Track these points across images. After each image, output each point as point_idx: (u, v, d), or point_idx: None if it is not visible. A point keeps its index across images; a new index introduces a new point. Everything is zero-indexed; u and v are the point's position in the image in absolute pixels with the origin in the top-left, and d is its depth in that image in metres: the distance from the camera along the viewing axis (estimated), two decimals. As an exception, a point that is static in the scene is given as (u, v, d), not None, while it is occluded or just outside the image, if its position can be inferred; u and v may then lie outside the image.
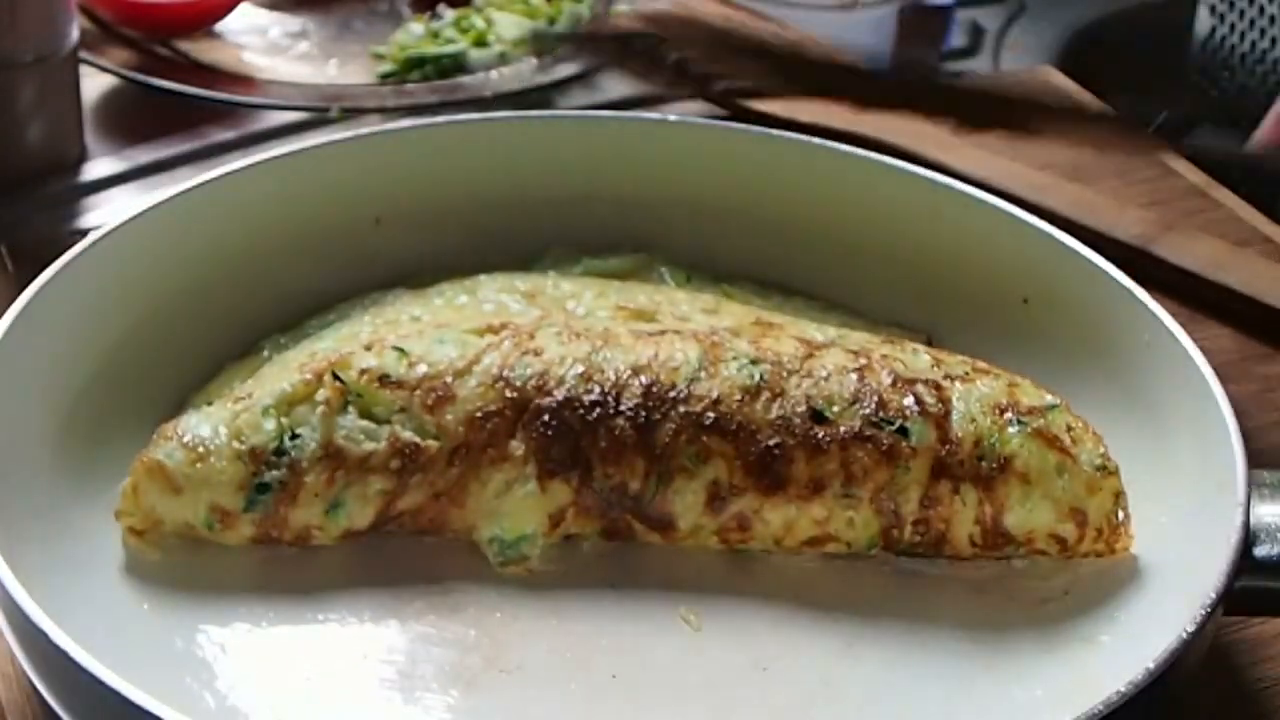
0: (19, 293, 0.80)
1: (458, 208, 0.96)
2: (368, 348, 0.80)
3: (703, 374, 0.79)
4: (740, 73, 1.12)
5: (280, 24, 1.36)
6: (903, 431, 0.78)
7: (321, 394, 0.78)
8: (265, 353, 0.88)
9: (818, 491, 0.78)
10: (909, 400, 0.79)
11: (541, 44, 1.27)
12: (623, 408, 0.78)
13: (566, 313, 0.88)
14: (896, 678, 0.74)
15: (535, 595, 0.77)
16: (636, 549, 0.79)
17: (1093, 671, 0.72)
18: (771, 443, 0.77)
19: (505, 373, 0.79)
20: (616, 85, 1.29)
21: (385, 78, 1.29)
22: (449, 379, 0.79)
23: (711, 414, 0.78)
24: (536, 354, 0.80)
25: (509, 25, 1.32)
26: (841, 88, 1.06)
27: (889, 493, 0.78)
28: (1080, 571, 0.79)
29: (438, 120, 1.00)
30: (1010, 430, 0.78)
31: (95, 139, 1.18)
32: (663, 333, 0.83)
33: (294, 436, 0.77)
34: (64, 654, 0.64)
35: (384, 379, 0.78)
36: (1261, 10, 1.62)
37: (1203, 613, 0.68)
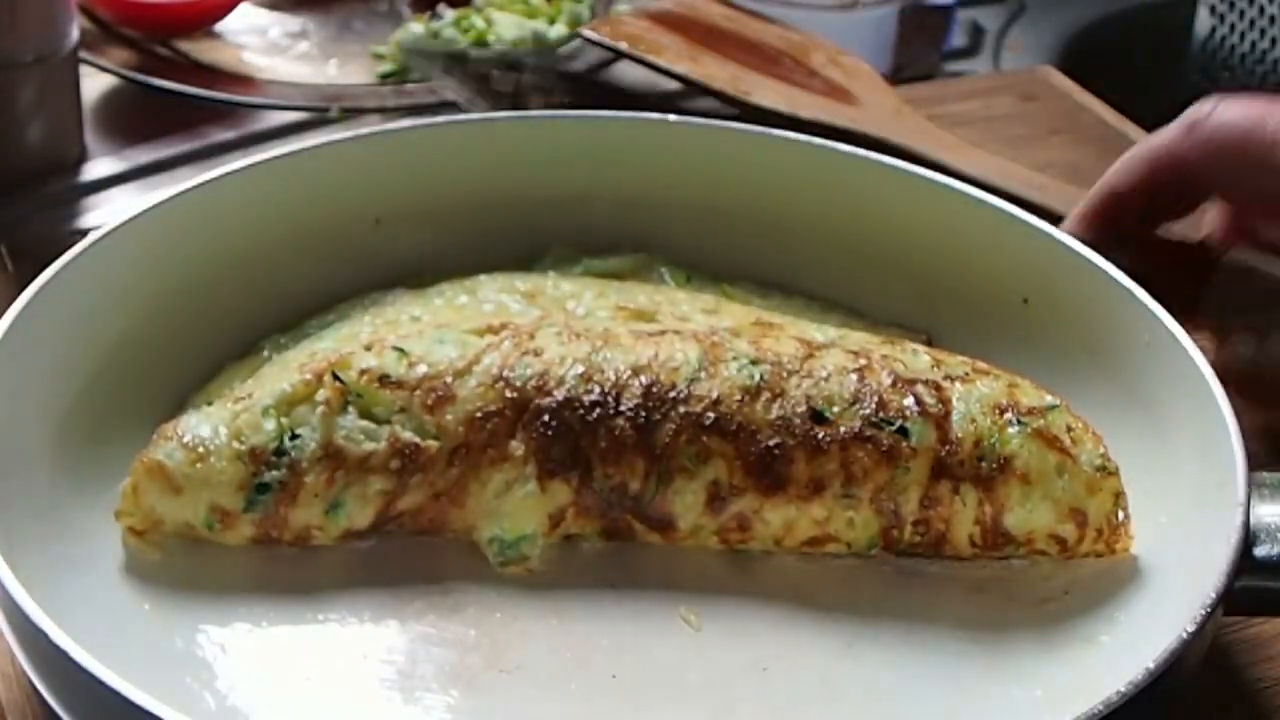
0: (19, 293, 0.80)
1: (458, 208, 0.96)
2: (368, 348, 0.80)
3: (703, 374, 0.79)
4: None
5: (280, 24, 1.36)
6: (903, 432, 0.78)
7: (321, 394, 0.78)
8: (265, 353, 0.88)
9: (818, 492, 0.78)
10: (909, 400, 0.79)
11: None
12: (623, 408, 0.78)
13: (566, 313, 0.88)
14: (896, 678, 0.74)
15: (535, 595, 0.77)
16: (636, 549, 0.79)
17: (1093, 671, 0.72)
18: (771, 443, 0.77)
19: (505, 373, 0.79)
20: (616, 85, 1.30)
21: (385, 78, 1.29)
22: (449, 379, 0.79)
23: (711, 414, 0.78)
24: (536, 354, 0.80)
25: (509, 25, 1.32)
26: None
27: (889, 493, 0.78)
28: (1080, 571, 0.79)
29: (438, 120, 1.00)
30: (1010, 431, 0.78)
31: (95, 139, 1.18)
32: (663, 333, 0.83)
33: (294, 436, 0.77)
34: (64, 654, 0.64)
35: (384, 379, 0.78)
36: (1261, 10, 1.63)
37: (1203, 613, 0.68)
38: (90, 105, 1.20)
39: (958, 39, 1.48)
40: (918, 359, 0.82)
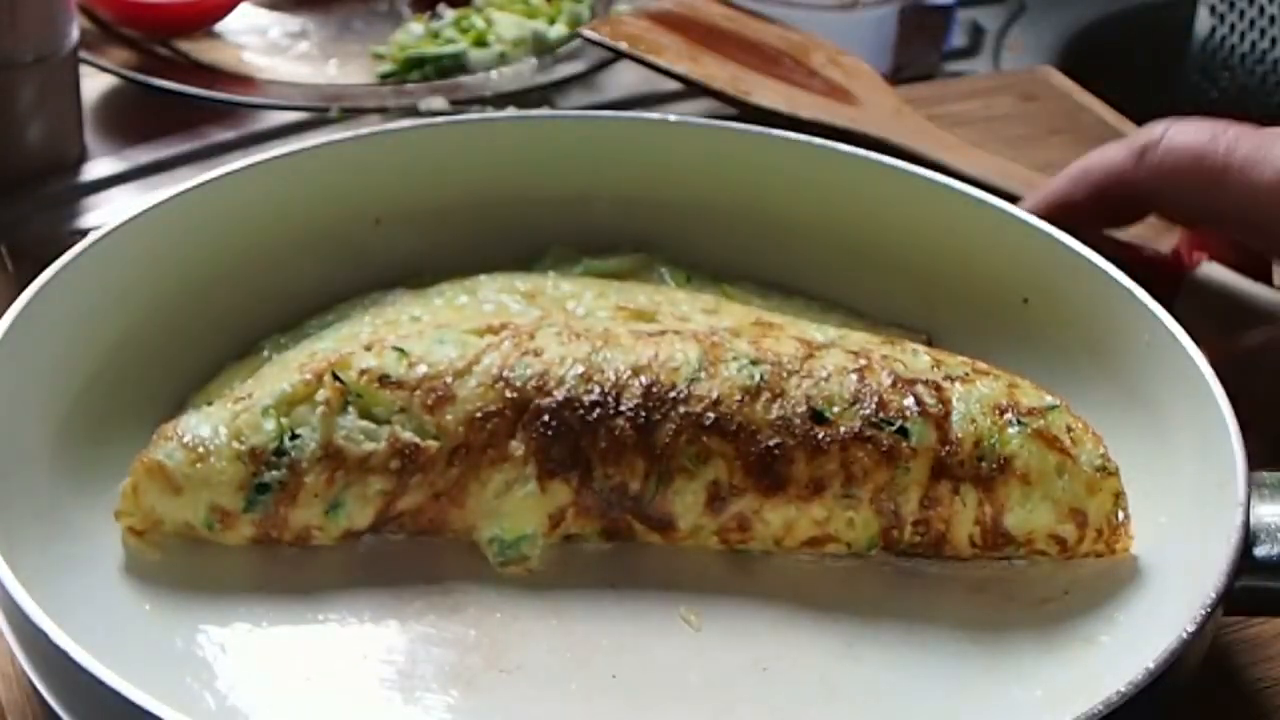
0: (19, 293, 0.80)
1: (458, 208, 0.96)
2: (368, 348, 0.80)
3: (703, 374, 0.79)
4: None
5: (280, 24, 1.36)
6: (903, 432, 0.78)
7: (321, 394, 0.78)
8: (265, 353, 0.87)
9: (818, 492, 0.78)
10: (909, 401, 0.79)
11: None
12: (623, 408, 0.78)
13: (566, 313, 0.88)
14: (896, 678, 0.74)
15: (535, 595, 0.77)
16: (636, 549, 0.79)
17: (1093, 671, 0.72)
18: (771, 443, 0.77)
19: (505, 373, 0.79)
20: (616, 85, 1.30)
21: (385, 78, 1.29)
22: (449, 379, 0.79)
23: (711, 414, 0.78)
24: (536, 354, 0.80)
25: (509, 25, 1.32)
26: None
27: (889, 493, 0.78)
28: (1080, 571, 0.79)
29: (438, 120, 1.00)
30: (1010, 431, 0.78)
31: (95, 139, 1.18)
32: (663, 333, 0.83)
33: (294, 437, 0.77)
34: (64, 654, 0.64)
35: (384, 379, 0.78)
36: (1261, 10, 1.63)
37: (1203, 613, 0.68)
38: (90, 105, 1.20)
39: (958, 39, 1.48)
40: (918, 359, 0.82)
